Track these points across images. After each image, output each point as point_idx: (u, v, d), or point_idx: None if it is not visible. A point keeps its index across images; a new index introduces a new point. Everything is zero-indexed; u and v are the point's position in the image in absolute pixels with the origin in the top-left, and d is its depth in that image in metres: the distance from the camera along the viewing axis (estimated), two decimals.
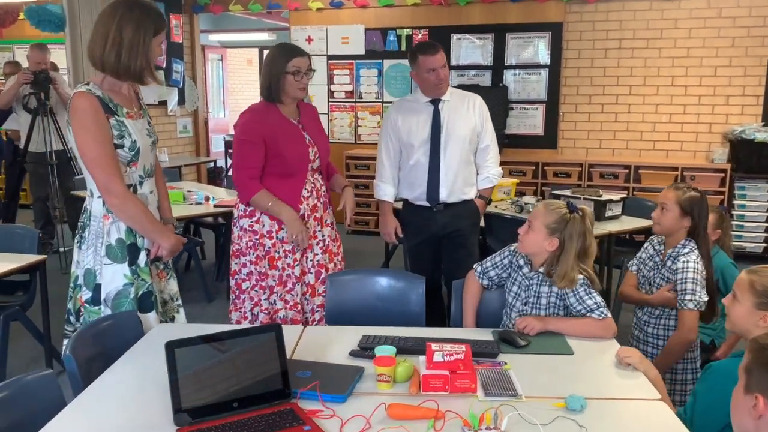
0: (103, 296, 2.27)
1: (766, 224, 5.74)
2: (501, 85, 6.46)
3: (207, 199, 4.66)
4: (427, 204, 3.23)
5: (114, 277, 2.27)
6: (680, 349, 2.51)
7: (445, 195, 3.20)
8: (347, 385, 1.78)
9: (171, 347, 1.63)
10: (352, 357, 2.01)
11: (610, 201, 4.14)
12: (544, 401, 1.73)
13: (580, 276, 2.22)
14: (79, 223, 2.34)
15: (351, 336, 2.16)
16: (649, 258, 2.77)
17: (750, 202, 5.75)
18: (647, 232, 4.30)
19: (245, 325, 2.85)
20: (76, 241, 2.34)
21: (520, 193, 4.97)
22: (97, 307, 2.28)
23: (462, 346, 1.81)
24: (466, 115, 3.22)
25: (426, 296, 2.55)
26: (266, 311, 2.90)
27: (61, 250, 5.47)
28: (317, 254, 2.92)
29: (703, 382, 1.78)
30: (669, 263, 2.60)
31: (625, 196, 4.28)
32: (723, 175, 5.75)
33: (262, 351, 1.73)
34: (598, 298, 2.21)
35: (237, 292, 2.94)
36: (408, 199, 3.31)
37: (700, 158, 6.11)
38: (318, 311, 2.94)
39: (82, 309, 2.29)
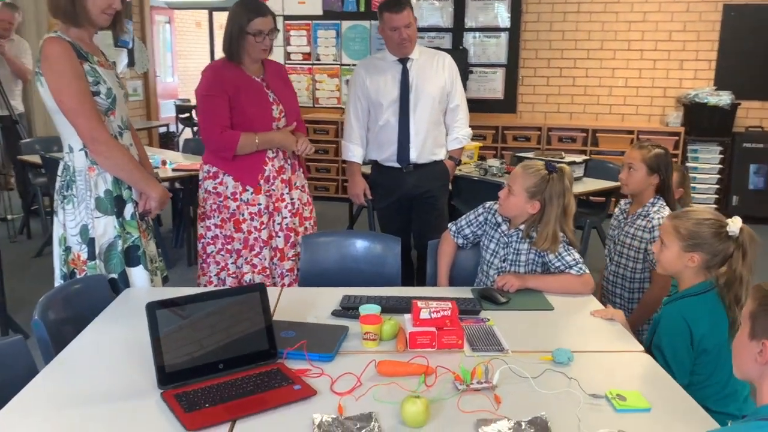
0: (96, 250, 2.18)
1: (717, 186, 5.93)
2: (461, 47, 6.41)
3: (164, 163, 4.51)
4: (397, 165, 3.19)
5: (106, 230, 2.19)
6: (655, 306, 2.56)
7: (415, 156, 3.16)
8: (333, 343, 1.75)
9: (152, 308, 1.56)
10: (334, 317, 1.98)
11: (573, 163, 4.17)
12: (530, 355, 1.74)
13: (560, 234, 2.23)
14: (58, 183, 2.22)
15: (329, 297, 2.13)
16: (614, 218, 2.81)
17: (702, 165, 5.92)
18: (608, 193, 4.38)
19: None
20: (57, 203, 2.22)
21: (482, 158, 4.98)
22: (92, 262, 2.19)
23: (448, 303, 1.79)
24: (436, 75, 3.17)
25: None
26: (234, 275, 2.84)
27: (9, 217, 5.23)
28: (286, 217, 2.85)
29: (659, 337, 1.88)
30: (639, 221, 2.64)
31: (587, 158, 4.34)
32: (677, 138, 5.88)
33: (247, 311, 1.68)
34: (576, 255, 2.23)
35: (204, 256, 2.86)
36: (377, 161, 3.27)
37: (655, 122, 6.24)
38: (288, 275, 2.88)
39: (81, 269, 2.19)
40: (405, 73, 3.12)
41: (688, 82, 6.10)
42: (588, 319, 2.01)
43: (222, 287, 2.74)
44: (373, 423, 1.40)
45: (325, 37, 6.82)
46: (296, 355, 1.69)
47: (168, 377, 1.54)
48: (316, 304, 2.08)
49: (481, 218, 2.42)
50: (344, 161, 3.38)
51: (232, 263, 2.82)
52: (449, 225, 2.50)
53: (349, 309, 1.99)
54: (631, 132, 6.00)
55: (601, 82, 6.30)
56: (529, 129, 6.24)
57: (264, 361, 1.65)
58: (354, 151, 3.25)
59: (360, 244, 2.58)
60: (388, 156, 3.20)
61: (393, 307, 2.00)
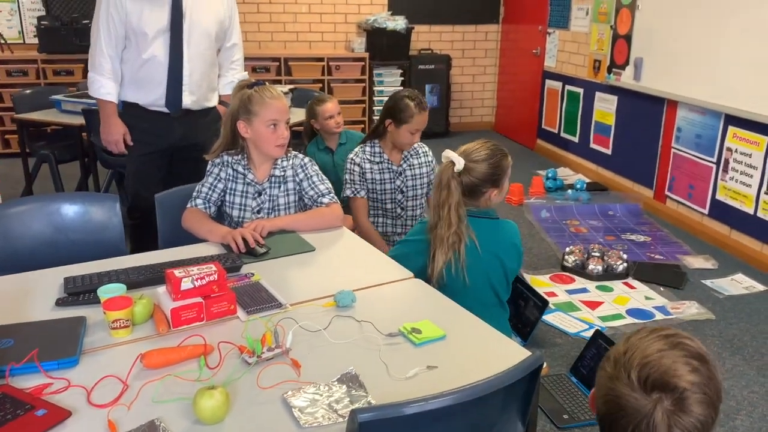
0: None
1: None
2: None
3: None
4: (165, 110, 2.63)
5: None
6: None
7: (190, 101, 2.64)
8: (74, 343, 1.37)
9: None
10: (60, 307, 1.57)
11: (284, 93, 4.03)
12: (311, 305, 1.59)
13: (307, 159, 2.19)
14: None
15: (43, 283, 1.69)
16: (380, 171, 2.64)
17: (386, 87, 6.26)
18: None
19: None
20: None
21: None
22: None
23: (211, 266, 1.53)
24: (211, 4, 2.66)
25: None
26: None
27: None
28: None
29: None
30: (415, 160, 2.69)
31: (293, 87, 4.22)
32: (363, 63, 6.11)
33: None
34: (328, 183, 2.16)
35: None
36: (138, 104, 2.63)
37: (341, 48, 6.38)
38: None
39: None
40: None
41: (366, 8, 6.32)
42: (351, 253, 1.94)
43: None
44: None
45: None
46: (25, 369, 1.29)
47: None
48: (29, 296, 1.63)
49: (222, 174, 2.12)
50: (94, 99, 2.66)
51: None
52: (191, 201, 2.11)
53: (79, 294, 1.60)
54: (321, 59, 6.05)
55: (286, 9, 6.18)
56: None
57: None
58: (108, 87, 2.57)
59: (68, 210, 2.10)
60: (154, 99, 2.61)
61: (139, 281, 1.66)
